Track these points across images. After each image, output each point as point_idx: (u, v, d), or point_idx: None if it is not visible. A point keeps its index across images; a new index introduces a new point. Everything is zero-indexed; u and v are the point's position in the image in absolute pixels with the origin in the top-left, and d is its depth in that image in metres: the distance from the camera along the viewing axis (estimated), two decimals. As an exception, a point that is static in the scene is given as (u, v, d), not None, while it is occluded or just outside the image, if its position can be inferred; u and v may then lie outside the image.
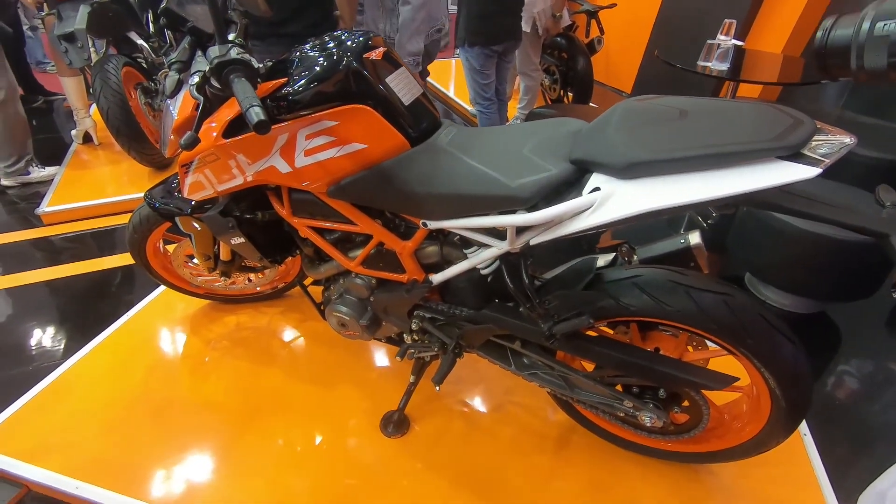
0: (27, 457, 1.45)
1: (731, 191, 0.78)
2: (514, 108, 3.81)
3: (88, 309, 2.13)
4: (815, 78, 2.50)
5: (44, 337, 1.98)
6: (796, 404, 1.09)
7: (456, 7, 2.68)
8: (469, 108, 3.81)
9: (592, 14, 3.78)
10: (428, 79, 3.35)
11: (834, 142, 0.78)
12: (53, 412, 1.60)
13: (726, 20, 2.55)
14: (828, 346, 2.00)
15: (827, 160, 0.75)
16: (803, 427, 1.58)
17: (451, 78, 5.22)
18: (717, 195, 0.79)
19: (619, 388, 1.26)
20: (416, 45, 2.01)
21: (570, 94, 3.89)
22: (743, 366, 1.09)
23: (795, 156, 0.78)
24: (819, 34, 0.61)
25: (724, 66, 2.45)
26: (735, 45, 2.54)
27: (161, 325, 1.98)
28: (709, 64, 2.47)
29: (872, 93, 2.91)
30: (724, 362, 1.16)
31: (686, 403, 1.23)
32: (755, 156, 0.78)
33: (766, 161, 0.78)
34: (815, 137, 0.79)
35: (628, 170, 0.86)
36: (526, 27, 3.06)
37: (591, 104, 3.82)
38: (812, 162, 0.76)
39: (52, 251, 2.55)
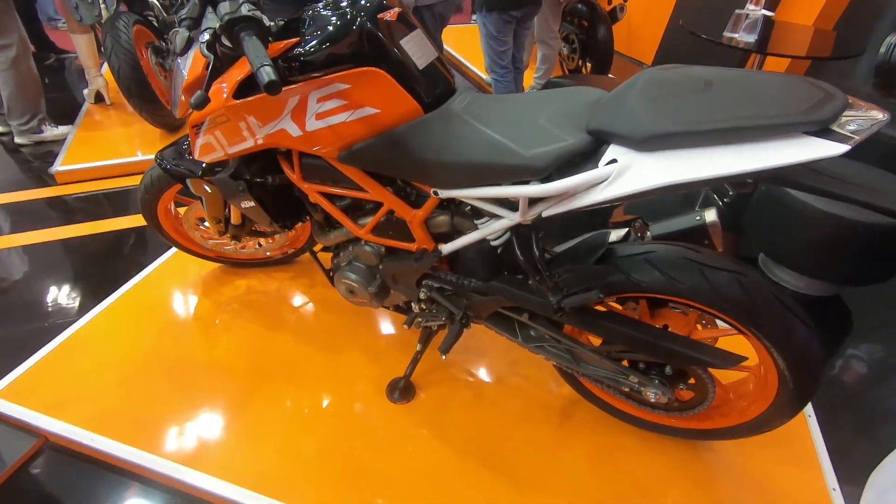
0: (45, 409, 1.50)
1: (754, 166, 0.76)
2: (530, 78, 3.72)
3: (102, 268, 2.16)
4: (847, 52, 2.40)
5: (59, 294, 2.02)
6: (804, 387, 1.08)
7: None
8: (484, 76, 3.72)
9: (616, -20, 3.63)
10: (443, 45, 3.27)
11: (865, 118, 0.75)
12: (70, 367, 1.65)
13: (757, -12, 2.44)
14: (840, 329, 1.98)
15: (857, 137, 0.72)
16: (808, 408, 1.58)
17: (461, 45, 5.08)
18: (738, 170, 0.76)
19: (625, 363, 1.26)
20: None
21: (588, 65, 3.78)
22: (752, 346, 1.08)
23: (824, 131, 0.74)
24: (882, 50, 0.59)
25: (752, 38, 2.35)
26: (764, 16, 2.44)
27: (173, 287, 2.00)
28: (735, 35, 2.38)
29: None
30: (732, 341, 1.15)
31: (692, 381, 1.23)
32: (781, 130, 0.75)
33: (793, 136, 0.75)
34: (846, 113, 0.76)
35: (647, 142, 0.83)
36: (546, -8, 2.96)
37: (609, 76, 3.71)
38: (841, 138, 0.73)
39: (66, 210, 2.58)
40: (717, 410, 1.31)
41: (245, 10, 0.90)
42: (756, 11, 2.37)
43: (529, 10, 2.71)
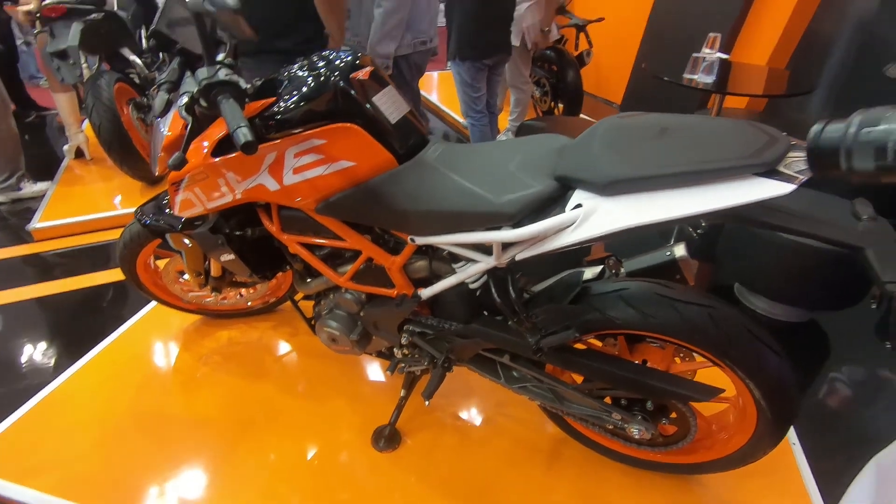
0: (18, 477, 1.44)
1: (709, 207, 0.80)
2: (505, 120, 3.85)
3: (80, 325, 2.12)
4: (800, 89, 2.55)
5: (34, 354, 1.97)
6: (782, 415, 1.10)
7: (446, 21, 2.72)
8: (461, 119, 3.85)
9: (581, 28, 3.84)
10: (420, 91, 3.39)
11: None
12: (44, 431, 1.59)
13: (710, 34, 2.60)
14: (817, 354, 2.02)
15: (801, 177, 0.77)
16: (792, 436, 1.59)
17: (438, 90, 5.26)
18: (695, 211, 0.81)
19: (607, 400, 1.27)
20: (386, 48, 2.06)
21: (560, 106, 3.94)
22: (728, 377, 1.11)
23: (771, 172, 0.79)
24: (810, 135, 0.66)
25: (710, 79, 2.49)
26: (720, 58, 2.59)
27: (152, 341, 1.97)
28: (695, 77, 2.51)
29: (858, 102, 2.96)
30: (712, 373, 1.17)
31: (674, 415, 1.24)
32: (732, 172, 0.80)
33: (743, 178, 0.80)
34: (790, 154, 0.81)
35: (609, 187, 0.87)
36: (515, 41, 3.11)
37: (581, 116, 3.87)
38: (787, 178, 0.78)
39: (43, 267, 2.55)
40: (701, 444, 1.32)
41: (222, 74, 0.94)
42: (712, 54, 2.52)
43: (500, 58, 2.84)
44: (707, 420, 1.31)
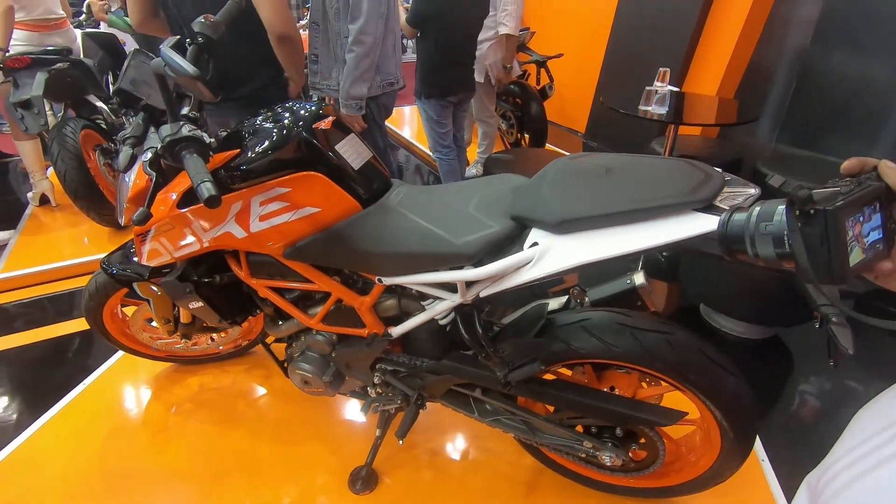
0: (-28, 546, 1.38)
1: (655, 242, 0.85)
2: (473, 153, 3.95)
3: (43, 378, 2.05)
4: (748, 118, 2.70)
5: (-6, 412, 1.90)
6: (743, 434, 1.14)
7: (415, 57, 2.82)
8: (431, 153, 3.93)
9: (541, 64, 4.00)
10: (389, 126, 3.46)
11: (740, 193, 0.87)
12: (5, 491, 1.52)
13: (661, 69, 2.76)
14: (783, 369, 2.09)
15: (722, 214, 0.83)
16: (761, 452, 1.63)
17: (410, 125, 5.38)
18: (642, 247, 0.86)
19: (579, 428, 1.29)
20: (359, 90, 2.13)
21: (527, 137, 4.06)
22: (691, 400, 1.15)
23: (709, 207, 0.85)
24: (719, 224, 0.72)
25: (664, 110, 2.62)
26: (672, 91, 2.74)
27: (120, 392, 1.92)
28: (649, 108, 2.65)
29: (803, 126, 3.15)
30: (677, 397, 1.21)
31: (643, 440, 1.27)
32: (673, 209, 0.86)
33: (684, 213, 0.86)
34: (725, 190, 0.87)
35: (563, 225, 0.92)
36: (479, 78, 3.23)
37: (547, 146, 4.00)
38: (722, 213, 0.84)
39: (4, 319, 2.47)
40: (672, 467, 1.35)
41: (185, 130, 0.97)
42: (663, 87, 2.67)
43: (464, 95, 2.94)
44: (675, 443, 1.35)
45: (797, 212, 0.57)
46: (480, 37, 2.92)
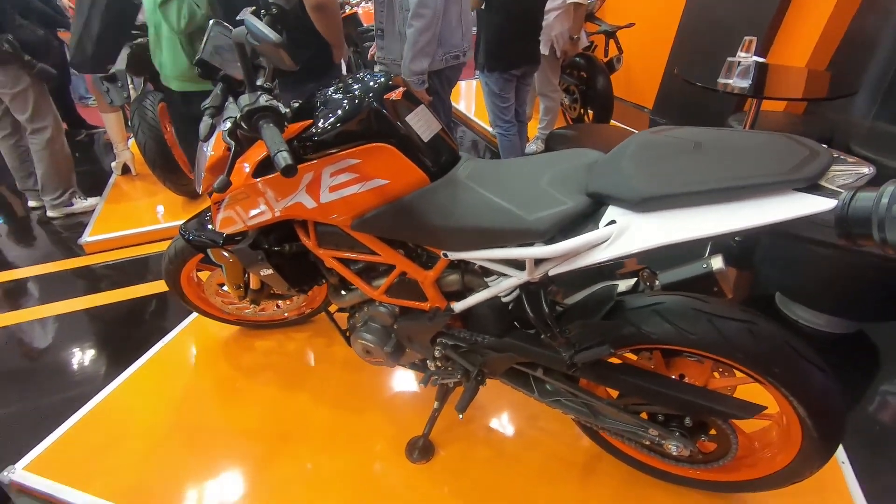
0: (72, 482, 1.52)
1: (746, 224, 0.79)
2: (534, 129, 3.84)
3: (126, 336, 2.22)
4: (842, 92, 2.46)
5: (83, 364, 2.08)
6: (828, 434, 1.06)
7: (476, 31, 2.75)
8: (490, 129, 3.86)
9: (610, 34, 3.80)
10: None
11: (851, 172, 0.78)
12: (94, 439, 1.67)
13: (746, 38, 2.54)
14: (867, 367, 1.93)
15: (844, 192, 0.75)
16: (841, 454, 1.53)
17: (466, 99, 5.29)
18: (731, 228, 0.79)
19: (644, 416, 1.25)
20: (420, 65, 2.11)
21: (590, 113, 3.90)
22: (771, 394, 1.07)
23: (813, 187, 0.78)
24: (839, 204, 0.63)
25: (746, 84, 2.42)
26: (756, 62, 2.52)
27: (194, 352, 2.05)
28: (730, 81, 2.46)
29: (905, 103, 2.84)
30: (752, 389, 1.14)
31: (713, 432, 1.21)
32: (771, 188, 0.79)
33: (783, 193, 0.78)
34: (833, 168, 0.79)
35: (643, 203, 0.87)
36: (544, 50, 3.10)
37: (612, 122, 3.82)
38: (829, 193, 0.76)
39: (92, 279, 2.68)
40: (744, 461, 1.28)
41: (263, 101, 0.98)
42: (748, 58, 2.46)
43: (529, 68, 2.84)
44: (749, 437, 1.28)
45: None
46: (548, 6, 2.80)
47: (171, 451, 1.62)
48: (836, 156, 0.81)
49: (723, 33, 3.42)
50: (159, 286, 2.53)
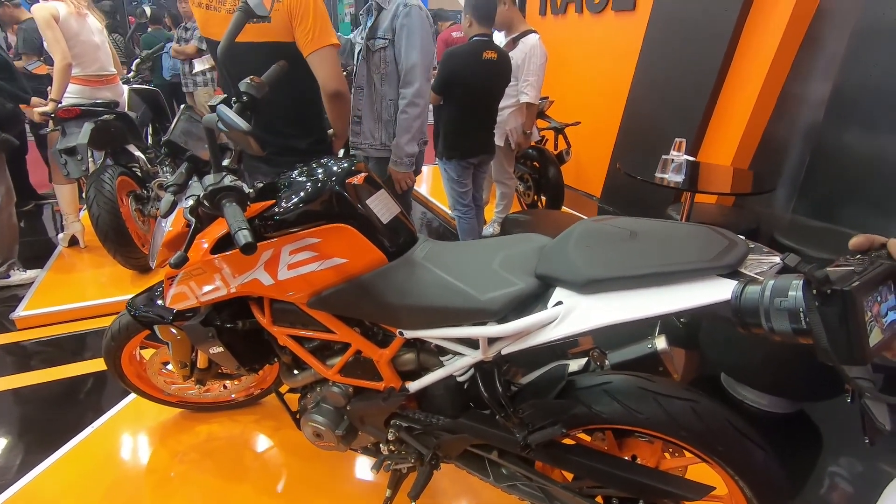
0: None
1: (679, 306, 0.85)
2: (491, 212, 4.02)
3: (54, 419, 2.04)
4: (763, 188, 2.74)
5: (2, 450, 1.88)
6: (774, 513, 1.08)
7: (434, 122, 2.95)
8: (449, 211, 4.02)
9: (559, 130, 4.16)
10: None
11: (765, 261, 0.88)
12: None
13: (676, 139, 2.84)
14: (810, 446, 1.99)
15: (761, 279, 0.83)
16: (793, 537, 1.53)
17: (428, 184, 5.53)
18: (667, 310, 0.86)
19: (599, 499, 1.24)
20: (413, 148, 2.28)
21: (543, 199, 4.15)
22: (718, 474, 1.10)
23: (733, 273, 0.86)
24: (732, 295, 0.73)
25: (680, 178, 2.68)
26: (687, 160, 2.80)
27: (129, 436, 1.90)
28: (665, 176, 2.71)
29: (818, 198, 3.18)
30: (703, 469, 1.16)
31: (667, 514, 1.21)
32: (698, 274, 0.87)
33: (708, 279, 0.86)
34: (750, 257, 0.88)
35: (587, 286, 0.93)
36: (499, 142, 3.35)
37: (563, 209, 4.06)
38: (748, 280, 0.84)
39: (22, 356, 2.49)
40: (697, 545, 1.26)
41: (228, 181, 1.02)
42: (679, 157, 2.74)
43: (484, 157, 3.05)
44: (702, 520, 1.27)
45: (814, 291, 0.57)
46: (502, 104, 3.06)
47: (88, 553, 1.45)
48: (751, 246, 0.91)
49: (658, 133, 3.80)
50: (96, 364, 2.37)
